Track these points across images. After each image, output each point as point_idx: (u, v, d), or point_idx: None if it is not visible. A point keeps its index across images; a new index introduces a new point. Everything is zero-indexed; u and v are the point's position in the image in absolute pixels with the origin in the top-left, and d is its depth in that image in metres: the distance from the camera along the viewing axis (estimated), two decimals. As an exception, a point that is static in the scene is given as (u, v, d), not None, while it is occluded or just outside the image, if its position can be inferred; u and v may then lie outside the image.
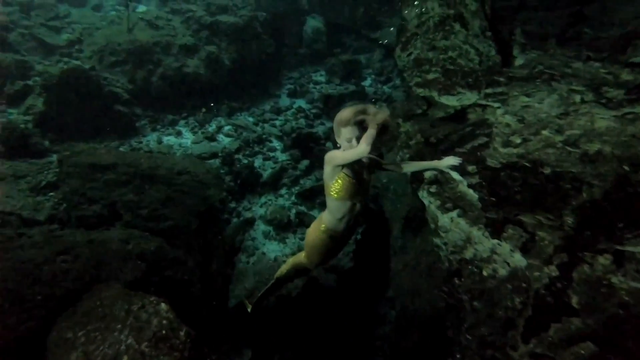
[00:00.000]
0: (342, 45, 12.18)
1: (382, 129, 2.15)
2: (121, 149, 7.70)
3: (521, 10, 7.16)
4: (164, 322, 2.45)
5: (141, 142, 8.14)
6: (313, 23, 11.53)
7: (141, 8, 10.76)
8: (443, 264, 3.35)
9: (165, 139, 8.48)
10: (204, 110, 9.36)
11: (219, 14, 9.66)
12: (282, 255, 7.12)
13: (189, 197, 6.37)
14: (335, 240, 2.51)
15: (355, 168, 2.32)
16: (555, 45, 4.29)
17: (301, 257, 3.04)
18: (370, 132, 2.04)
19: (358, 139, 2.16)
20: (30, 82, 8.00)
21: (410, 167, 2.68)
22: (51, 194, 6.07)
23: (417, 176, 3.63)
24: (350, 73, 11.26)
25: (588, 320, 1.80)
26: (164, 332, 2.37)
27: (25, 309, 2.90)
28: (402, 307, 4.88)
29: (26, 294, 2.97)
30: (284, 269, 3.42)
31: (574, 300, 1.91)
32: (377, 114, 2.15)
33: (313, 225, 2.62)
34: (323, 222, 2.51)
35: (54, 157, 6.59)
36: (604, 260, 1.93)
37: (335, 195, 2.31)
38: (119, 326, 2.42)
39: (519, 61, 3.80)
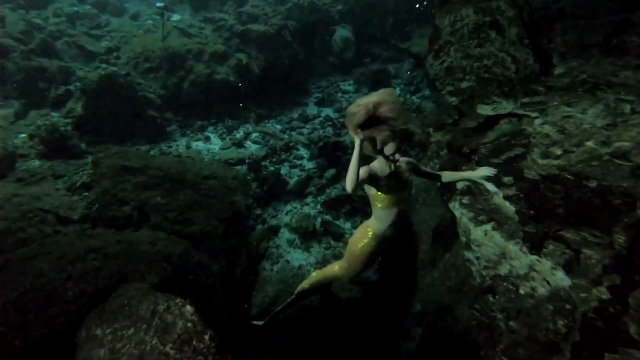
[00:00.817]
0: (371, 55, 12.14)
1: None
2: (151, 152, 7.92)
3: (560, 19, 6.89)
4: (189, 324, 2.44)
5: (171, 147, 8.34)
6: (342, 32, 11.57)
7: (176, 17, 11.15)
8: (475, 279, 3.20)
9: (194, 144, 8.66)
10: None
11: (250, 22, 9.87)
12: (307, 264, 7.05)
13: (216, 202, 6.44)
14: (382, 246, 2.58)
15: (393, 176, 2.34)
16: (599, 54, 4.08)
17: (334, 269, 3.04)
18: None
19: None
20: (71, 87, 8.42)
21: (447, 176, 2.64)
22: (85, 194, 6.30)
23: (449, 187, 3.51)
24: (379, 82, 11.19)
25: (650, 352, 1.64)
26: (188, 334, 2.35)
27: (59, 303, 2.97)
28: (429, 324, 4.70)
29: (60, 289, 3.05)
30: (306, 284, 3.41)
31: (633, 330, 1.74)
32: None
33: (358, 234, 2.63)
34: (370, 229, 2.53)
35: (90, 159, 6.84)
36: (662, 283, 1.76)
37: (380, 204, 2.38)
38: (145, 326, 2.43)
39: (558, 70, 3.62)
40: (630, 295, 1.79)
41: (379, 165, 2.36)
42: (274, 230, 7.64)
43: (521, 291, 2.51)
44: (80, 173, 6.71)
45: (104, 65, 8.89)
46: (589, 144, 2.63)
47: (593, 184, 2.29)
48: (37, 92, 8.28)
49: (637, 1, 6.28)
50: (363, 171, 2.21)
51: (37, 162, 6.74)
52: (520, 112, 3.22)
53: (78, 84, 8.22)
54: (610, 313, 1.81)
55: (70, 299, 2.99)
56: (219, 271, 5.74)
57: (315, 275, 3.37)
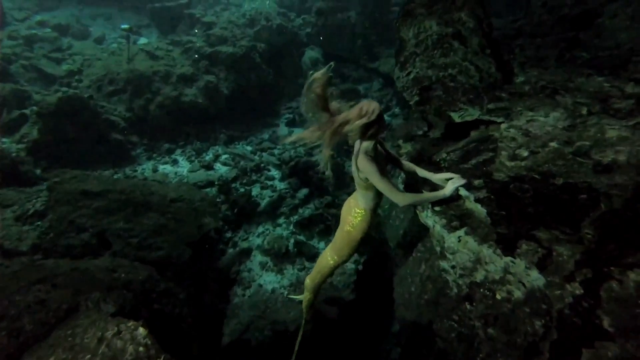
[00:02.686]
0: (341, 76, 12.35)
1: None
2: (115, 177, 7.55)
3: (518, 37, 7.28)
4: (141, 349, 2.18)
5: (136, 171, 8.00)
6: (311, 54, 11.76)
7: (142, 40, 11.00)
8: (451, 289, 3.10)
9: (160, 167, 8.35)
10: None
11: (219, 44, 9.84)
12: (280, 287, 6.78)
13: (183, 226, 6.14)
14: (374, 220, 2.71)
15: (379, 156, 2.48)
16: (555, 64, 4.25)
17: (328, 264, 2.94)
18: None
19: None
20: (26, 111, 7.98)
21: (422, 173, 2.75)
22: (38, 223, 5.84)
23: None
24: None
25: (627, 345, 1.56)
26: None
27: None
28: (407, 343, 4.54)
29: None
30: (307, 294, 3.25)
31: (606, 323, 1.68)
32: None
33: (353, 216, 2.66)
34: (360, 209, 2.61)
35: (45, 186, 6.42)
36: (635, 276, 1.72)
37: (365, 187, 2.52)
38: (88, 356, 2.14)
39: (519, 78, 3.72)
40: (602, 288, 1.74)
41: (370, 150, 2.41)
42: (246, 253, 7.34)
43: (498, 296, 2.43)
44: (33, 201, 6.25)
45: (64, 89, 8.54)
46: (553, 144, 2.66)
47: (559, 181, 2.29)
48: (-12, 116, 7.81)
49: (583, 22, 6.73)
50: (371, 163, 2.33)
51: (-17, 191, 6.24)
52: (486, 117, 3.25)
53: (34, 107, 7.81)
54: (584, 308, 1.76)
55: (2, 341, 2.61)
56: (186, 299, 5.40)
57: (309, 282, 3.19)
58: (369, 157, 2.36)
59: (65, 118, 7.34)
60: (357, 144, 2.49)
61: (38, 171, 6.94)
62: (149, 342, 2.26)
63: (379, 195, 2.55)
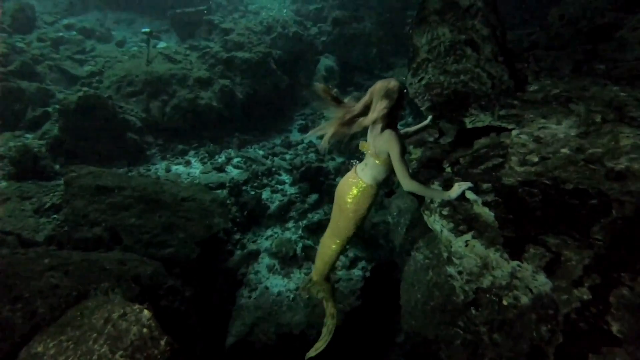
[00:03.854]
0: (355, 84, 12.42)
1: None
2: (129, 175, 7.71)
3: (533, 49, 7.24)
4: (144, 330, 2.22)
5: (149, 170, 8.15)
6: (326, 62, 11.88)
7: (162, 44, 11.29)
8: (458, 296, 3.07)
9: (173, 167, 8.49)
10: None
11: (235, 50, 10.03)
12: (286, 290, 6.77)
13: (192, 225, 6.22)
14: (377, 195, 2.71)
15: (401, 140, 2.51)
16: (570, 74, 4.22)
17: (331, 249, 2.92)
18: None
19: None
20: (49, 109, 8.26)
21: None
22: (54, 216, 5.99)
23: (428, 204, 3.44)
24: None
25: (637, 353, 1.53)
26: (142, 341, 2.13)
27: (1, 328, 2.67)
28: (412, 350, 4.48)
29: (4, 312, 2.76)
30: (323, 287, 3.17)
31: (615, 328, 1.64)
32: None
33: (358, 192, 2.64)
34: (367, 182, 2.62)
35: (62, 180, 6.59)
36: (646, 282, 1.69)
37: (382, 161, 2.53)
38: (95, 335, 2.19)
39: (533, 87, 3.71)
40: (612, 294, 1.71)
41: (396, 127, 2.52)
42: (254, 256, 7.38)
43: (504, 302, 2.40)
44: (51, 195, 6.42)
45: (85, 89, 8.78)
46: (565, 150, 2.63)
47: (569, 187, 2.26)
48: (12, 113, 8.07)
49: (602, 35, 6.68)
50: (398, 140, 2.38)
51: (4, 183, 6.44)
52: (497, 124, 3.24)
53: (57, 105, 8.06)
54: (592, 313, 1.72)
55: (17, 321, 2.70)
56: (192, 297, 5.44)
57: (317, 276, 3.10)
58: (396, 134, 2.42)
59: (85, 116, 7.55)
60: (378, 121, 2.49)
61: (57, 166, 7.14)
62: (153, 325, 2.31)
63: (389, 171, 2.59)
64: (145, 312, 2.39)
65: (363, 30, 12.10)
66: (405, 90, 2.43)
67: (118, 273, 3.81)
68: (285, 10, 12.50)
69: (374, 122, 2.44)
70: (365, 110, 2.41)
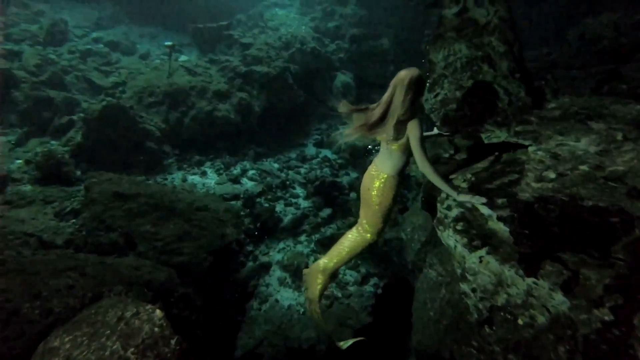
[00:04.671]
0: (371, 101, 12.44)
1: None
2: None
3: (553, 69, 7.19)
4: (156, 329, 2.24)
5: (166, 179, 8.31)
6: (343, 78, 12.02)
7: (183, 57, 11.64)
8: (472, 315, 2.99)
9: (190, 177, 8.64)
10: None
11: (254, 64, 10.26)
12: (297, 304, 6.72)
13: (206, 234, 6.27)
14: (399, 184, 2.74)
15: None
16: (590, 93, 4.17)
17: (360, 240, 2.86)
18: None
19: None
20: (74, 117, 8.57)
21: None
22: (73, 220, 6.14)
23: (442, 219, 3.40)
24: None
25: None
26: (154, 339, 2.15)
27: (20, 323, 2.75)
28: (423, 369, 4.36)
29: (24, 308, 2.83)
30: (323, 279, 2.97)
31: None
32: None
33: (380, 184, 2.69)
34: (386, 173, 2.67)
35: (83, 186, 6.78)
36: (670, 304, 1.62)
37: (402, 150, 2.62)
38: (108, 332, 2.23)
39: (551, 105, 3.67)
40: (636, 316, 1.64)
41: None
42: (265, 268, 7.38)
43: (520, 322, 2.33)
44: (72, 199, 6.60)
45: (108, 98, 9.10)
46: (583, 167, 2.59)
47: (588, 204, 2.21)
48: (41, 121, 8.42)
49: (624, 56, 6.60)
50: (420, 127, 2.49)
51: (29, 187, 6.66)
52: (514, 140, 3.21)
53: (81, 114, 8.36)
54: (615, 335, 1.65)
55: (34, 318, 2.77)
56: (203, 306, 5.45)
57: (327, 264, 2.92)
58: (420, 122, 2.50)
59: (107, 125, 7.80)
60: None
61: (78, 172, 7.36)
62: (164, 324, 2.33)
63: (407, 157, 2.67)
64: (158, 311, 2.42)
65: (380, 48, 12.25)
66: (424, 79, 2.55)
67: (132, 278, 3.86)
68: (304, 27, 12.77)
69: (402, 112, 2.50)
70: (389, 105, 2.52)
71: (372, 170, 2.79)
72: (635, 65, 6.08)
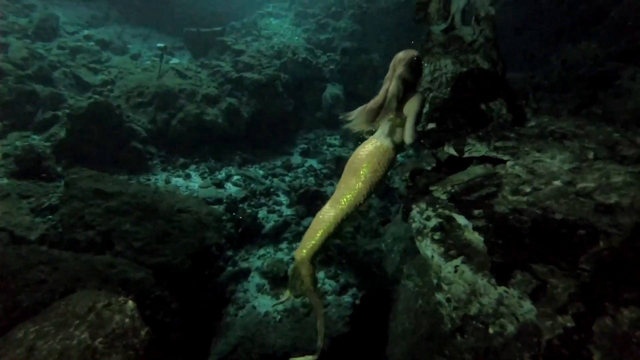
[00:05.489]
0: (360, 114, 12.64)
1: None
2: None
3: (536, 91, 7.46)
4: (127, 320, 2.20)
5: (149, 180, 8.20)
6: (333, 90, 12.16)
7: (174, 60, 11.62)
8: (446, 325, 3.03)
9: (173, 179, 8.55)
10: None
11: (245, 71, 10.31)
12: (274, 310, 6.65)
13: (186, 236, 6.19)
14: (395, 157, 2.81)
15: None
16: (568, 115, 4.34)
17: (336, 214, 2.71)
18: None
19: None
20: (59, 113, 8.42)
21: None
22: (50, 216, 5.99)
23: (420, 229, 3.46)
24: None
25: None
26: (124, 330, 2.10)
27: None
28: (397, 380, 4.37)
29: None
30: (307, 268, 2.79)
31: (597, 357, 1.63)
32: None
33: (380, 152, 2.70)
34: (388, 145, 2.72)
35: (63, 183, 6.64)
36: (629, 313, 1.69)
37: (398, 124, 2.70)
38: (77, 322, 2.17)
39: (530, 123, 3.81)
40: (595, 323, 1.71)
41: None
42: (244, 274, 7.30)
43: (490, 330, 2.38)
44: (50, 195, 6.45)
45: (96, 96, 8.99)
46: (557, 183, 2.69)
47: (559, 217, 2.30)
48: (24, 114, 8.23)
49: (602, 82, 6.89)
50: (421, 102, 2.65)
51: (5, 180, 6.48)
52: (493, 154, 3.31)
53: (66, 110, 8.23)
54: (574, 340, 1.71)
55: (-2, 313, 2.66)
56: (178, 310, 5.35)
57: (300, 255, 2.72)
58: (420, 98, 2.64)
59: (92, 122, 7.69)
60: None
61: (59, 168, 7.20)
62: (136, 315, 2.29)
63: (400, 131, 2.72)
64: (130, 303, 2.38)
65: (371, 62, 12.47)
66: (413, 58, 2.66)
67: (106, 275, 3.78)
68: (297, 38, 12.93)
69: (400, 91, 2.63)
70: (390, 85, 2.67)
71: (370, 142, 2.81)
72: (612, 92, 6.36)
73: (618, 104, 5.34)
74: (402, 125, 2.66)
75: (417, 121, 2.62)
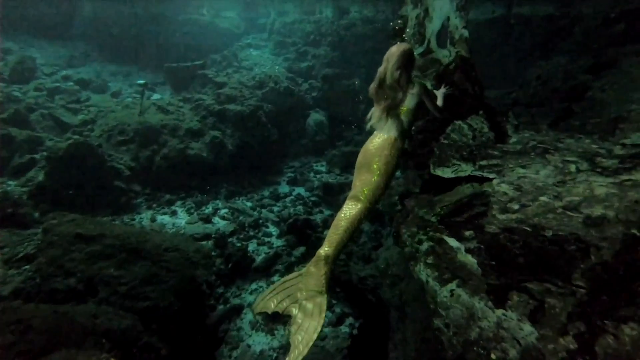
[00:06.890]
0: (344, 138, 12.75)
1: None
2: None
3: (514, 107, 7.67)
4: None
5: (134, 219, 7.99)
6: (316, 116, 12.28)
7: (156, 96, 11.63)
8: (447, 351, 2.92)
9: (159, 217, 8.35)
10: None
11: (227, 103, 10.36)
12: (269, 349, 6.38)
13: (174, 276, 5.96)
14: (403, 147, 2.93)
15: None
16: (547, 128, 4.42)
17: (359, 210, 2.64)
18: None
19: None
20: (37, 156, 8.24)
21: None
22: (26, 267, 5.71)
23: (413, 254, 3.41)
24: (351, 164, 11.57)
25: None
26: None
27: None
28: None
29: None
30: (327, 268, 2.54)
31: (604, 381, 1.56)
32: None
33: (389, 144, 2.79)
34: (395, 135, 2.82)
35: (41, 229, 6.39)
36: (630, 330, 1.63)
37: (405, 114, 2.89)
38: None
39: (512, 139, 3.85)
40: (597, 343, 1.65)
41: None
42: (237, 311, 7.04)
43: (493, 356, 2.29)
44: (26, 244, 6.18)
45: (75, 137, 8.85)
46: (543, 198, 2.68)
47: (549, 233, 2.27)
48: (-1, 160, 8.03)
49: (575, 95, 7.13)
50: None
51: (-22, 231, 6.21)
52: (479, 173, 3.31)
53: (44, 152, 8.06)
54: (579, 364, 1.64)
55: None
56: (168, 356, 5.08)
57: (325, 251, 2.52)
58: (420, 84, 2.91)
59: (72, 163, 7.52)
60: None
61: (36, 214, 6.96)
62: None
63: (411, 123, 2.94)
64: (110, 362, 2.21)
65: (352, 87, 12.71)
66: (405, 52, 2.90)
67: (88, 327, 3.57)
68: (277, 67, 13.15)
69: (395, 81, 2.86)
70: (384, 78, 2.95)
71: (376, 136, 2.91)
72: (586, 104, 6.57)
73: (593, 114, 5.50)
74: (405, 113, 2.87)
75: (431, 95, 2.90)
